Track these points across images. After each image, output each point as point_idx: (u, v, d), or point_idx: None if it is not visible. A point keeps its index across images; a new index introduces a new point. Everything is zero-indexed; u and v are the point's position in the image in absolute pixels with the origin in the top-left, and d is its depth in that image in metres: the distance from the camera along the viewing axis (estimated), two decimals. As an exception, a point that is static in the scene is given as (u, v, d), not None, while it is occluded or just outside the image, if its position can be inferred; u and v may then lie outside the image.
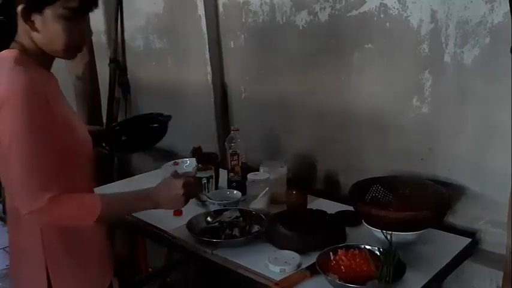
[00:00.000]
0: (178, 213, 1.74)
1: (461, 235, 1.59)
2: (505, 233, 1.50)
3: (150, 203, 1.27)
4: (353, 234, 1.56)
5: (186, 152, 2.40)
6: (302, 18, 1.94)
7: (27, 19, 1.07)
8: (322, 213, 1.62)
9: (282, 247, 1.48)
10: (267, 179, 1.79)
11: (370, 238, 1.47)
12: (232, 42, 2.28)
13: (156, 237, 1.73)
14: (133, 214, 1.58)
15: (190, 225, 1.60)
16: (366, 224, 1.50)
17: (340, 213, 1.69)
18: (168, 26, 2.62)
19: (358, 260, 1.31)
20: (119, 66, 2.97)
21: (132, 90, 3.02)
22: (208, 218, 1.67)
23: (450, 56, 1.57)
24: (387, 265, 1.25)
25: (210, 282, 2.36)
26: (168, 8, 2.58)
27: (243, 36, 2.22)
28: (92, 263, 1.27)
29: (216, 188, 1.96)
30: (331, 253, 1.36)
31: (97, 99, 2.88)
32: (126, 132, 1.58)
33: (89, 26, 1.16)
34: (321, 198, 1.88)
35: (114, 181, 2.30)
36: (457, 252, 1.49)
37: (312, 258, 1.38)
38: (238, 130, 1.95)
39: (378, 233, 1.42)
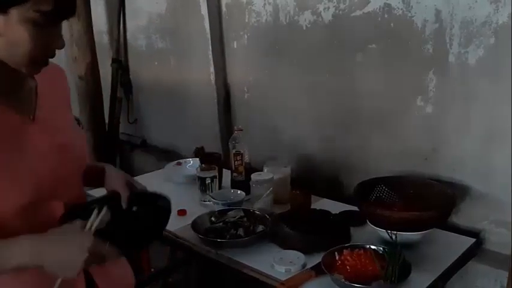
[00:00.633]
0: (182, 213, 1.75)
1: (465, 235, 1.59)
2: (509, 233, 1.51)
3: (31, 259, 0.90)
4: (357, 234, 1.56)
5: (189, 152, 2.40)
6: (306, 19, 1.94)
7: None
8: (326, 213, 1.62)
9: (286, 247, 1.48)
10: (271, 179, 1.79)
11: (375, 238, 1.48)
12: (235, 42, 2.28)
13: (159, 237, 1.72)
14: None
15: (194, 225, 1.60)
16: (370, 224, 1.50)
17: (344, 213, 1.69)
18: (170, 26, 2.62)
19: (363, 259, 1.31)
20: (121, 66, 2.97)
21: (134, 90, 3.02)
22: (213, 218, 1.67)
23: (454, 56, 1.57)
24: (393, 265, 1.26)
25: (212, 282, 2.36)
26: (170, 8, 2.58)
27: (246, 36, 2.22)
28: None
29: (220, 188, 1.96)
30: (336, 253, 1.36)
31: (99, 99, 2.88)
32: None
33: (61, 36, 0.92)
34: (324, 199, 1.88)
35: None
36: (461, 253, 1.49)
37: (316, 259, 1.39)
38: (242, 130, 1.95)
39: (382, 232, 1.43)
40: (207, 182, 1.87)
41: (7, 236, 0.91)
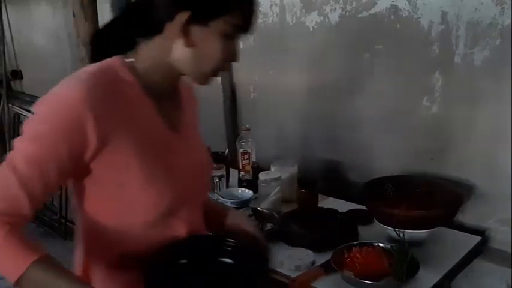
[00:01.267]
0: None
1: (471, 233, 1.61)
2: (514, 231, 1.53)
3: None
4: (365, 233, 1.58)
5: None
6: (312, 20, 1.96)
7: (186, 31, 0.87)
8: (333, 211, 1.64)
9: (295, 245, 1.51)
10: (279, 178, 1.81)
11: (382, 236, 1.50)
12: (241, 42, 2.29)
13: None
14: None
15: (203, 224, 1.62)
16: (378, 222, 1.52)
17: (351, 212, 1.71)
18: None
19: (372, 257, 1.33)
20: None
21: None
22: (221, 217, 1.68)
23: (460, 57, 1.59)
24: (401, 262, 1.28)
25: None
26: (176, 9, 2.59)
27: (252, 36, 2.24)
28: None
29: (227, 187, 1.98)
30: (345, 250, 1.38)
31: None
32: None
33: (239, 50, 0.96)
34: (330, 197, 1.90)
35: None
36: (467, 251, 1.51)
37: (324, 257, 1.41)
38: (249, 130, 1.97)
39: (390, 231, 1.45)
40: (215, 180, 1.89)
41: (109, 244, 0.92)
